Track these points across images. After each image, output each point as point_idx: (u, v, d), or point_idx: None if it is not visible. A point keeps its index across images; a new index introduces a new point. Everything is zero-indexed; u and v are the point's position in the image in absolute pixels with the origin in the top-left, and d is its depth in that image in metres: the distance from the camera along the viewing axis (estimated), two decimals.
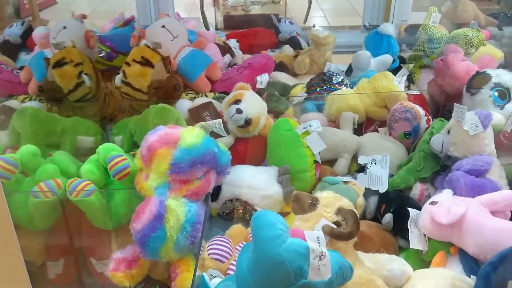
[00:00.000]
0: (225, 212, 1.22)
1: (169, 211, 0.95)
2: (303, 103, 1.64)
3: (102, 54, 1.71)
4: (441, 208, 1.03)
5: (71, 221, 1.12)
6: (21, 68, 1.75)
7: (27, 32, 2.07)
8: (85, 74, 1.40)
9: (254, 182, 1.22)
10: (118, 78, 1.43)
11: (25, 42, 2.08)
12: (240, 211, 1.21)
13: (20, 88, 1.64)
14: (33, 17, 3.81)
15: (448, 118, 1.28)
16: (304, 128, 1.31)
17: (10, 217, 0.71)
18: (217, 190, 1.22)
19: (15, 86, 1.64)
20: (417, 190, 1.24)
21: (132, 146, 1.32)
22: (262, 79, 1.62)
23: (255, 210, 1.18)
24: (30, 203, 1.05)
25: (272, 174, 1.25)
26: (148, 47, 1.45)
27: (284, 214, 1.20)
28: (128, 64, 1.41)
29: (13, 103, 1.50)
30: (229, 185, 1.22)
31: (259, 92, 1.54)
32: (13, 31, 2.08)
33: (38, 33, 1.78)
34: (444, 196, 1.08)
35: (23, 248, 0.99)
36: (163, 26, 1.62)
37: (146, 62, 1.40)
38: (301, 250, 0.76)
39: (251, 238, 1.08)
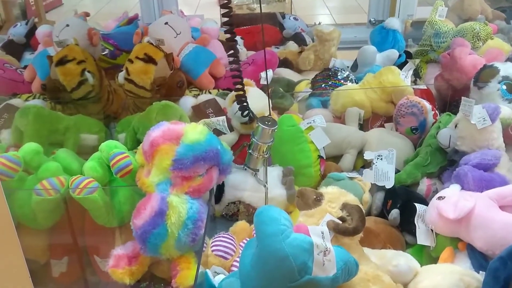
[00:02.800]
0: (228, 214, 1.21)
1: (171, 208, 0.94)
2: (307, 99, 1.63)
3: (106, 52, 1.71)
4: (449, 203, 1.01)
5: (74, 219, 1.11)
6: (25, 67, 1.75)
7: (32, 32, 2.07)
8: (88, 71, 1.39)
9: (257, 185, 1.20)
10: (121, 76, 1.42)
11: (30, 41, 2.08)
12: (243, 214, 1.19)
13: (24, 87, 1.64)
14: (39, 18, 3.83)
15: (455, 112, 1.26)
16: (308, 123, 1.30)
17: (10, 215, 0.70)
18: (220, 192, 1.20)
19: (19, 85, 1.64)
20: (424, 185, 1.22)
21: (135, 143, 1.31)
22: None
23: None
24: (33, 201, 1.04)
25: (276, 175, 1.23)
26: (151, 44, 1.45)
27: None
28: (131, 61, 1.40)
29: (16, 101, 1.50)
30: (231, 188, 1.20)
31: (263, 88, 1.53)
32: (18, 30, 2.08)
33: (41, 31, 1.78)
34: (452, 191, 1.06)
35: (27, 246, 0.99)
36: (166, 23, 1.61)
37: (149, 59, 1.40)
38: (305, 245, 0.75)
39: (255, 235, 1.08)
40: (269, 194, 1.18)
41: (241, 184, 1.21)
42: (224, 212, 1.22)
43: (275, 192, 1.20)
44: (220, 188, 1.21)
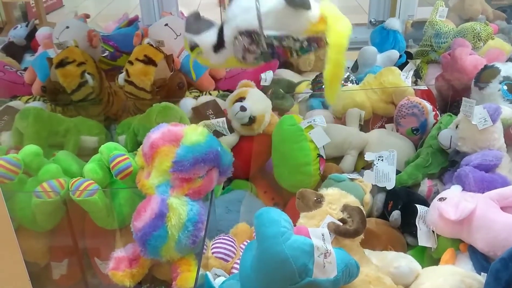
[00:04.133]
0: (242, 55, 1.00)
1: (171, 210, 0.94)
2: (308, 100, 1.62)
3: (106, 54, 1.71)
4: (450, 204, 1.01)
5: (74, 221, 1.11)
6: (26, 69, 1.75)
7: (32, 34, 2.07)
8: (88, 73, 1.39)
9: (247, 2, 0.95)
10: (121, 77, 1.42)
11: (30, 43, 2.08)
12: (251, 45, 0.97)
13: (24, 89, 1.64)
14: (40, 20, 3.83)
15: (456, 113, 1.26)
16: (308, 122, 1.29)
17: (9, 218, 0.69)
18: (221, 41, 1.00)
19: (19, 87, 1.64)
20: (425, 186, 1.21)
21: (135, 145, 1.30)
22: (267, 76, 1.61)
23: (265, 37, 0.95)
24: (33, 204, 1.04)
25: None
26: (151, 45, 1.44)
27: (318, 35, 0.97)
28: (131, 63, 1.40)
29: (16, 103, 1.50)
30: (227, 24, 1.00)
31: (264, 89, 1.52)
32: (18, 32, 2.08)
33: (41, 33, 1.78)
34: (453, 192, 1.06)
35: (27, 249, 0.98)
36: (166, 24, 1.61)
37: (149, 61, 1.39)
38: (305, 247, 0.75)
39: (255, 237, 1.07)
40: (264, 9, 0.94)
41: (229, 14, 1.00)
42: (236, 56, 1.00)
43: (271, 1, 0.93)
44: (220, 35, 1.01)
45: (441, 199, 1.04)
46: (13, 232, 0.73)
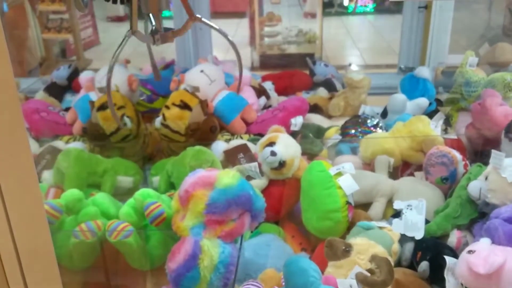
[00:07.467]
0: None
1: (204, 252, 0.97)
2: (337, 145, 1.65)
3: (143, 97, 1.79)
4: (479, 257, 1.00)
5: (109, 262, 1.15)
6: (67, 109, 1.84)
7: (73, 74, 2.18)
8: (127, 117, 1.46)
9: None
10: (157, 121, 1.49)
11: (71, 83, 2.19)
12: None
13: (65, 129, 1.73)
14: (77, 57, 4.03)
15: (486, 163, 1.26)
16: (337, 169, 1.32)
17: (55, 257, 0.74)
18: None
19: (61, 127, 1.73)
20: (454, 237, 1.21)
21: (168, 186, 1.35)
22: (297, 122, 1.65)
23: None
24: (71, 243, 1.09)
25: None
26: (187, 91, 1.51)
27: None
28: (167, 107, 1.47)
29: (58, 143, 1.58)
30: None
31: (293, 134, 1.56)
32: (60, 73, 2.19)
33: (84, 77, 1.88)
34: (482, 245, 1.05)
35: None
36: (202, 71, 1.68)
37: (184, 106, 1.46)
38: None
39: (283, 283, 1.09)
40: None
41: None
42: None
43: None
44: None
45: (470, 252, 1.04)
46: (57, 269, 0.77)
